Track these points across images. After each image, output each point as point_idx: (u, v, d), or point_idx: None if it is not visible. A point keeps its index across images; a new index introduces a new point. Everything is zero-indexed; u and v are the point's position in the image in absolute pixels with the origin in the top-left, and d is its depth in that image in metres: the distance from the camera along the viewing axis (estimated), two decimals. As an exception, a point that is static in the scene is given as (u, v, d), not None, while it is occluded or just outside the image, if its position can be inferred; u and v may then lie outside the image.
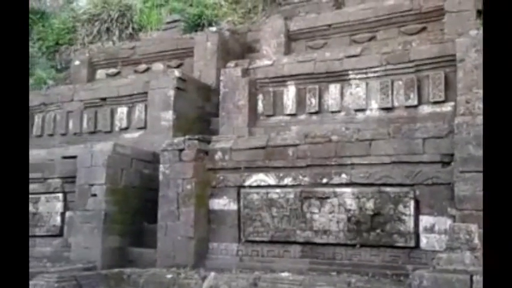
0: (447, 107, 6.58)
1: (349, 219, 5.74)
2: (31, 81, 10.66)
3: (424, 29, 7.78)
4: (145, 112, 8.52)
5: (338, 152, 5.91)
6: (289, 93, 7.69)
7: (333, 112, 7.38)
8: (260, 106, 7.88)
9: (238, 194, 6.39)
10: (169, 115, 8.13)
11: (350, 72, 7.32)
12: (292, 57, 7.94)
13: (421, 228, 5.43)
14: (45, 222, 7.47)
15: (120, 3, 12.00)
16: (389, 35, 7.99)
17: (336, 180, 5.87)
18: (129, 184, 7.13)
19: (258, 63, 7.98)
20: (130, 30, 11.71)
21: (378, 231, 5.59)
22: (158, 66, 9.91)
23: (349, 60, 7.33)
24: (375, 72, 7.16)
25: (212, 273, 5.77)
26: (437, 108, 6.68)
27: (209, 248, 6.46)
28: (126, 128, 8.72)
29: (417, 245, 5.42)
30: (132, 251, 6.95)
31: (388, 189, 5.59)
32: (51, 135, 9.42)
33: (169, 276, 5.88)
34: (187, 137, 6.67)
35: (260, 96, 7.88)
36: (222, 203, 6.46)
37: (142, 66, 10.13)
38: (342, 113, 7.32)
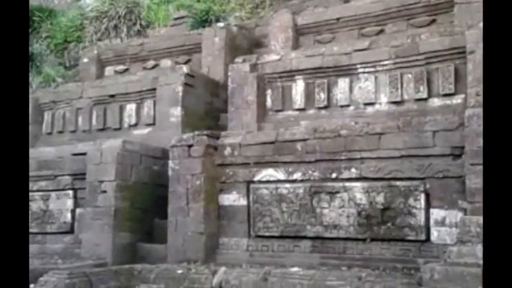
0: (457, 100, 6.52)
1: (359, 213, 5.72)
2: (40, 79, 10.72)
3: (433, 21, 7.70)
4: (154, 108, 8.53)
5: (347, 147, 5.88)
6: (298, 88, 7.66)
7: (342, 106, 7.35)
8: (269, 101, 7.86)
9: (248, 189, 6.38)
10: (177, 111, 8.14)
11: (359, 66, 7.28)
12: (300, 52, 7.91)
13: (431, 221, 5.40)
14: (56, 219, 7.51)
15: (128, 0, 12.02)
16: (398, 28, 7.92)
17: (345, 174, 5.85)
18: (138, 180, 7.15)
19: (266, 58, 7.96)
20: (138, 27, 11.74)
21: (389, 225, 5.56)
22: (166, 62, 9.91)
23: (358, 54, 7.29)
24: (383, 65, 7.11)
25: (222, 268, 5.78)
26: (448, 101, 6.63)
27: (219, 243, 6.47)
28: (135, 125, 8.74)
29: (428, 239, 5.40)
30: (143, 247, 6.97)
31: (398, 183, 5.56)
32: (60, 132, 9.46)
33: (179, 271, 5.89)
34: (196, 132, 6.67)
35: (269, 91, 7.86)
36: (231, 199, 6.47)
37: (151, 63, 10.14)
38: (351, 107, 7.29)
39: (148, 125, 8.59)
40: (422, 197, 5.43)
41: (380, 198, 5.62)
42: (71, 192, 7.45)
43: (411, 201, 5.48)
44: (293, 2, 9.79)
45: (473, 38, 6.27)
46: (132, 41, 10.95)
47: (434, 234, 5.38)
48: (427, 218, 5.42)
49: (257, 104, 7.73)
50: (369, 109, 7.16)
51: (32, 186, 7.45)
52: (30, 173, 6.63)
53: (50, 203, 7.57)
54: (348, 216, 5.78)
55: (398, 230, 5.51)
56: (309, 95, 7.58)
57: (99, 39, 11.81)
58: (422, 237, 5.40)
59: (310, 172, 6.04)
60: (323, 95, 7.46)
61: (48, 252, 7.33)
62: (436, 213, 5.39)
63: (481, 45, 6.17)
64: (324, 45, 8.18)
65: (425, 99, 6.79)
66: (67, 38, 12.54)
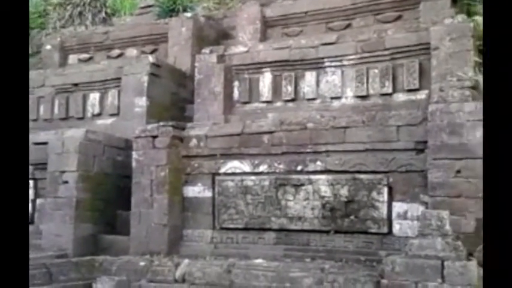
0: (421, 95, 6.62)
1: (323, 206, 5.76)
2: None
3: (399, 17, 7.78)
4: (119, 98, 8.38)
5: (313, 140, 5.92)
6: (265, 80, 7.65)
7: (308, 99, 7.37)
8: (236, 93, 7.82)
9: (213, 181, 6.36)
10: (142, 101, 8.02)
11: (326, 59, 7.30)
12: (268, 44, 7.88)
13: (394, 214, 5.49)
14: (15, 210, 7.31)
15: (93, -13, 11.75)
16: (365, 23, 7.98)
17: (311, 167, 5.88)
18: (101, 171, 7.03)
19: (233, 50, 7.91)
20: (103, 14, 11.47)
21: (352, 217, 5.63)
22: (132, 51, 9.74)
23: (325, 48, 7.31)
24: (350, 60, 7.15)
25: (186, 260, 5.74)
26: (412, 96, 6.72)
27: (183, 235, 6.43)
28: (99, 114, 8.58)
29: (390, 231, 5.48)
30: (105, 239, 6.87)
31: (362, 176, 5.63)
32: (21, 121, 9.19)
33: (142, 263, 5.83)
34: (161, 123, 6.60)
35: (236, 83, 7.82)
36: (196, 190, 6.43)
37: (116, 52, 9.95)
38: (318, 101, 7.32)
39: (112, 115, 8.44)
40: (385, 190, 5.51)
41: (344, 191, 5.68)
42: (31, 182, 7.25)
43: (374, 194, 5.55)
44: (262, -6, 9.72)
45: (438, 34, 6.37)
46: (97, 28, 10.70)
47: (396, 227, 5.47)
48: (390, 211, 5.50)
49: (224, 95, 7.68)
50: (335, 103, 7.21)
51: (-10, 175, 7.22)
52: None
53: (9, 193, 7.36)
54: (312, 209, 5.82)
55: (362, 223, 5.58)
56: (276, 88, 7.57)
57: (63, 26, 11.50)
58: (385, 230, 5.49)
59: (275, 164, 6.05)
60: (290, 88, 7.46)
61: (6, 244, 7.12)
62: (399, 207, 5.48)
63: (444, 41, 6.29)
64: (291, 38, 8.18)
65: (390, 94, 6.87)
66: (30, 24, 12.17)
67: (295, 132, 6.02)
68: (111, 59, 9.65)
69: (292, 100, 7.45)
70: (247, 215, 6.12)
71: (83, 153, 6.77)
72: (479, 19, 6.51)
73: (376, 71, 6.96)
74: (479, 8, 6.85)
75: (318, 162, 5.84)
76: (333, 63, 7.26)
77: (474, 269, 4.21)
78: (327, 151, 5.84)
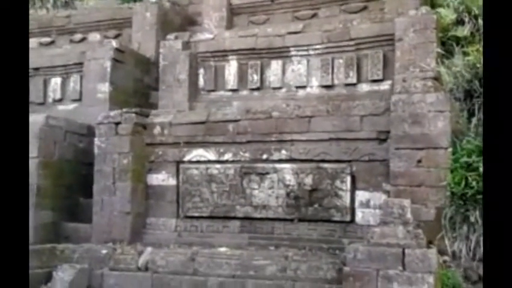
0: (385, 86, 6.71)
1: (288, 194, 5.80)
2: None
3: (365, 7, 7.82)
4: (81, 84, 8.19)
5: (278, 128, 5.93)
6: (231, 69, 7.61)
7: (274, 88, 7.37)
8: (201, 80, 7.76)
9: (178, 169, 6.31)
10: (105, 87, 7.85)
11: (292, 48, 7.31)
12: (234, 32, 7.84)
13: (357, 203, 5.57)
14: (-28, 197, 7.09)
15: (55, -31, 11.40)
16: (331, 13, 7.98)
17: (275, 156, 5.90)
18: (62, 158, 6.87)
19: (199, 37, 7.83)
20: (65, -3, 11.16)
21: (316, 206, 5.68)
22: (95, 36, 9.50)
23: (291, 37, 7.32)
24: (315, 49, 7.18)
25: (149, 248, 5.70)
26: (376, 87, 6.80)
27: (147, 224, 6.37)
28: (60, 100, 8.38)
29: (353, 220, 5.57)
30: (67, 226, 6.74)
31: (326, 165, 5.68)
32: (-22, 105, 8.89)
33: (104, 251, 5.76)
34: (124, 110, 6.50)
35: (201, 71, 7.75)
36: (160, 178, 6.37)
37: (78, 36, 9.69)
38: (283, 90, 7.33)
39: (74, 100, 8.25)
40: (349, 179, 5.58)
41: (308, 180, 5.72)
42: (-12, 168, 7.04)
43: (338, 183, 5.61)
44: (228, -20, 9.62)
45: (402, 25, 6.45)
46: (59, 12, 10.38)
47: (359, 216, 5.55)
48: (353, 200, 5.58)
49: (189, 83, 7.60)
50: (301, 92, 7.24)
51: None
52: None
53: (-35, 180, 7.13)
54: (277, 197, 5.85)
55: (325, 211, 5.64)
56: (241, 76, 7.54)
57: (23, 9, 11.14)
58: (348, 218, 5.57)
59: (241, 153, 6.05)
60: (256, 77, 7.45)
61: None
62: (361, 195, 5.56)
63: (408, 32, 6.37)
64: (258, 26, 8.13)
65: (354, 85, 6.93)
66: (-13, 5, 11.75)
67: (260, 121, 6.03)
68: (74, 44, 9.42)
69: (258, 89, 7.44)
70: (212, 204, 6.10)
71: (43, 139, 6.60)
72: (443, 11, 6.63)
73: (341, 61, 7.01)
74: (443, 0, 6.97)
75: (283, 151, 5.86)
76: (299, 53, 7.28)
77: (434, 257, 4.32)
78: (291, 140, 5.87)
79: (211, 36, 7.79)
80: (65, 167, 6.89)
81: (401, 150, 5.27)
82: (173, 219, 6.28)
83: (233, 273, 5.20)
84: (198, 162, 6.22)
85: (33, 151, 6.50)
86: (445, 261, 4.96)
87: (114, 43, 8.12)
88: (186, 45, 7.74)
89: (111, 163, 6.33)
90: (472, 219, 4.94)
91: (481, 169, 4.87)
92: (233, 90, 7.56)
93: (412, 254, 4.33)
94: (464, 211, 5.01)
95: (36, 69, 8.53)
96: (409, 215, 4.52)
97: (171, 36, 7.92)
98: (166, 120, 6.44)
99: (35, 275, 5.60)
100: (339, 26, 7.11)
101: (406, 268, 4.32)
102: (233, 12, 8.68)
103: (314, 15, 8.14)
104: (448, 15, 6.62)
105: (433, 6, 6.93)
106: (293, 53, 7.31)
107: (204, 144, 6.22)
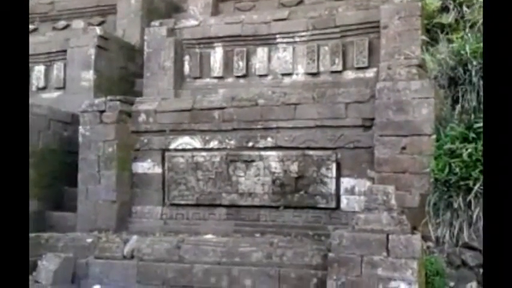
0: (370, 73, 6.72)
1: (273, 181, 5.81)
2: None
3: (351, -6, 7.83)
4: (65, 71, 8.13)
5: (264, 116, 5.92)
6: (217, 56, 7.57)
7: (260, 76, 7.36)
8: (186, 68, 7.71)
9: (163, 157, 6.28)
10: (89, 75, 7.80)
11: (277, 36, 7.29)
12: (219, 19, 7.79)
13: (342, 190, 5.60)
14: (-45, 186, 7.01)
15: (37, -46, 11.20)
16: (316, 0, 7.98)
17: (261, 143, 5.90)
18: (47, 146, 6.83)
19: (184, 23, 7.77)
20: (48, -17, 10.98)
21: (301, 193, 5.70)
22: (78, 23, 9.39)
23: (277, 24, 7.30)
24: (301, 36, 7.17)
25: (135, 237, 5.69)
26: (361, 74, 6.82)
27: (132, 212, 6.35)
28: (44, 88, 8.31)
29: (338, 206, 5.60)
30: (52, 215, 6.72)
31: (311, 152, 5.69)
32: (-40, 94, 8.76)
33: (89, 240, 5.74)
34: (108, 97, 6.44)
35: (186, 58, 7.71)
36: (146, 166, 6.35)
37: (62, 23, 9.57)
38: (269, 77, 7.31)
39: (58, 88, 8.19)
40: (334, 166, 5.60)
41: (294, 167, 5.73)
42: (-29, 157, 6.96)
43: (323, 170, 5.63)
44: (214, -33, 9.53)
45: (387, 12, 6.46)
46: (42, -2, 10.24)
47: (344, 202, 5.58)
48: (338, 187, 5.61)
49: (174, 70, 7.55)
50: (286, 79, 7.23)
51: None
52: None
53: None
54: (262, 185, 5.86)
55: (311, 198, 5.66)
56: (227, 63, 7.51)
57: (5, -5, 10.96)
58: (333, 205, 5.59)
59: (226, 141, 6.04)
60: (242, 64, 7.42)
61: None
62: (346, 182, 5.59)
63: (394, 20, 6.37)
64: (243, 13, 8.09)
65: (339, 72, 6.94)
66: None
67: (246, 108, 6.01)
68: (57, 31, 9.32)
69: (244, 76, 7.42)
70: (198, 191, 6.10)
71: (26, 127, 6.53)
72: (428, -1, 6.64)
73: (327, 48, 7.01)
74: (427, -13, 6.97)
75: (269, 139, 5.86)
76: (285, 40, 7.26)
77: (418, 242, 4.36)
78: (277, 127, 5.86)
79: (196, 22, 7.74)
80: (49, 156, 6.84)
81: (386, 137, 5.30)
82: (159, 207, 6.27)
83: (219, 260, 5.21)
84: (183, 150, 6.20)
85: (16, 140, 6.44)
86: (428, 247, 5.01)
87: (98, 30, 8.05)
88: (171, 32, 7.68)
89: (95, 151, 6.29)
90: (456, 205, 4.98)
91: (464, 155, 4.92)
92: (219, 78, 7.53)
93: (396, 239, 4.37)
94: (447, 197, 5.06)
95: (19, 56, 8.42)
96: (393, 202, 4.55)
97: (155, 23, 7.85)
98: (151, 107, 6.40)
99: (19, 264, 5.57)
100: (324, 13, 7.10)
101: (390, 254, 4.36)
102: (219, -1, 8.63)
103: (300, 2, 8.10)
104: (432, 2, 6.64)
105: (418, -7, 6.93)
106: (279, 40, 7.29)
107: (189, 132, 6.20)
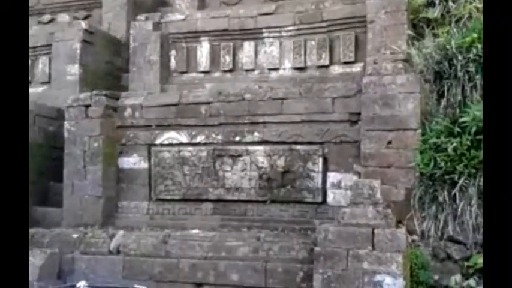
0: (357, 68, 6.74)
1: (260, 176, 5.81)
2: None
3: (337, -11, 7.82)
4: (50, 66, 8.06)
5: (251, 111, 5.91)
6: (203, 50, 7.54)
7: (247, 70, 7.35)
8: (173, 62, 7.68)
9: (149, 152, 6.26)
10: (75, 69, 7.73)
11: (264, 30, 7.28)
12: (205, 13, 7.75)
13: (328, 184, 5.61)
14: None
15: None
16: (303, -6, 7.97)
17: (248, 138, 5.89)
18: (32, 141, 6.69)
19: (170, 17, 7.72)
20: (33, -24, 10.85)
21: (288, 187, 5.71)
22: (64, 17, 9.31)
23: (264, 18, 7.29)
24: (288, 31, 7.17)
25: (121, 232, 5.67)
26: (348, 69, 6.83)
27: (118, 207, 6.32)
28: (29, 82, 8.19)
29: (324, 201, 5.62)
30: (37, 211, 6.66)
31: (298, 147, 5.70)
32: None
33: (75, 235, 5.71)
34: (94, 92, 6.39)
35: (173, 52, 7.67)
36: (132, 161, 6.31)
37: (47, 17, 9.49)
38: (256, 72, 7.30)
39: (43, 83, 8.11)
40: (320, 161, 5.62)
41: (281, 162, 5.74)
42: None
43: (310, 165, 5.64)
44: (200, -40, 9.47)
45: (374, 7, 6.46)
46: (26, -9, 10.13)
47: (330, 197, 5.60)
48: (324, 181, 5.62)
49: (160, 64, 7.52)
50: (273, 74, 7.22)
51: None
52: None
53: None
54: (249, 179, 5.85)
55: (297, 193, 5.68)
56: (214, 58, 7.49)
57: (-12, -12, 10.82)
58: (319, 199, 5.61)
59: (213, 135, 6.02)
60: (228, 58, 7.40)
61: None
62: (333, 177, 5.60)
63: (380, 14, 6.39)
64: (230, 7, 8.05)
65: (326, 67, 6.95)
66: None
67: (233, 103, 6.00)
68: (42, 25, 9.23)
69: (230, 71, 7.40)
70: (185, 186, 6.08)
71: (11, 122, 6.47)
72: (414, -8, 6.66)
73: (314, 42, 7.01)
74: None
75: (256, 133, 5.86)
76: (272, 34, 7.25)
77: (403, 236, 4.39)
78: (264, 122, 5.86)
79: (182, 17, 7.70)
80: (34, 151, 6.74)
81: (372, 131, 5.32)
82: (145, 203, 6.25)
83: (205, 255, 5.20)
84: (170, 145, 6.18)
85: (0, 135, 6.38)
86: (413, 241, 5.05)
87: (83, 24, 7.99)
88: (157, 26, 7.64)
89: (81, 146, 6.24)
90: (441, 199, 5.02)
91: (449, 150, 4.96)
92: (205, 72, 7.51)
93: (381, 233, 4.39)
94: (433, 191, 5.10)
95: (3, 50, 8.32)
96: (378, 196, 4.58)
97: (141, 17, 7.80)
98: (137, 102, 6.36)
99: (4, 260, 5.52)
100: (311, 7, 7.09)
101: (376, 248, 4.38)
102: (205, -7, 8.58)
103: (286, -4, 8.08)
104: (419, -3, 6.65)
105: (405, -12, 6.94)
106: (265, 34, 7.28)
107: (176, 127, 6.17)
